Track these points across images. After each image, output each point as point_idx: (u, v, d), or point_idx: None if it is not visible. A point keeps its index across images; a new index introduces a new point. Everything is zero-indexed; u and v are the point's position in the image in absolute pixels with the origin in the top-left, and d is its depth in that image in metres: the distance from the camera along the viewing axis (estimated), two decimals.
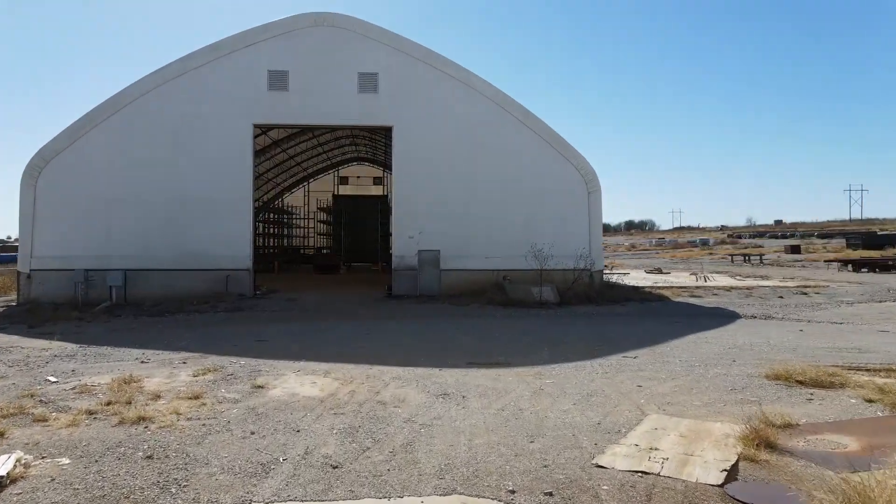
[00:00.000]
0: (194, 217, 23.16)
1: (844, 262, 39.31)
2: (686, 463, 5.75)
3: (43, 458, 6.23)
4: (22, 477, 5.67)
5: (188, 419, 7.50)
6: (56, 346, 13.28)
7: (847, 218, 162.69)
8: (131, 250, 22.77)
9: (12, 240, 75.59)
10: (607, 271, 27.80)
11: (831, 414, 7.55)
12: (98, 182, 22.93)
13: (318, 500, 5.23)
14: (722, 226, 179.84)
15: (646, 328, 15.57)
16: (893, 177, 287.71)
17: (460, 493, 5.31)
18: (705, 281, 29.96)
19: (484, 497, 5.24)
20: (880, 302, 21.37)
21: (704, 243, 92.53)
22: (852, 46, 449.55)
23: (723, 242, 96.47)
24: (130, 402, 8.19)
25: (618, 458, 5.95)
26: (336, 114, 24.70)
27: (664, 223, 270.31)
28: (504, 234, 24.19)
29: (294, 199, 53.57)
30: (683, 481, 5.45)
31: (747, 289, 26.00)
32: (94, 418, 7.57)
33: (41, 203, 22.67)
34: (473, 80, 24.68)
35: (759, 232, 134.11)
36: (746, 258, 50.13)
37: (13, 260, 29.92)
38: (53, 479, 5.65)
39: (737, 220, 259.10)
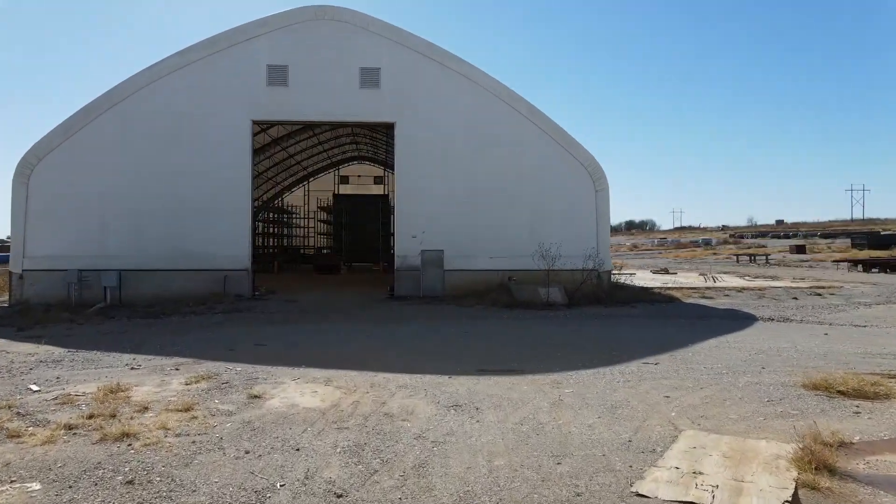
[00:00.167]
0: (192, 216, 22.47)
1: (854, 263, 38.63)
2: (740, 492, 5.07)
3: (11, 481, 5.56)
4: None
5: (176, 435, 6.82)
6: (43, 350, 12.60)
7: (848, 218, 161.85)
8: (127, 250, 22.10)
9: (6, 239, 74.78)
10: (615, 272, 27.11)
11: (885, 430, 6.87)
12: (93, 179, 22.25)
13: None
14: (723, 226, 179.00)
15: (661, 331, 14.88)
16: (894, 177, 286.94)
17: None
18: (714, 282, 29.28)
19: None
20: None
21: (707, 243, 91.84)
22: (853, 45, 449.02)
23: (726, 242, 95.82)
24: (115, 416, 7.51)
25: (660, 484, 5.27)
26: (337, 110, 24.01)
27: (665, 223, 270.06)
28: (509, 234, 23.51)
29: (294, 198, 52.94)
30: None
31: (759, 290, 25.32)
32: (74, 434, 6.89)
33: (34, 201, 22.00)
34: (478, 75, 23.99)
35: (761, 232, 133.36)
36: (752, 258, 49.47)
37: (6, 260, 29.25)
38: None
39: (737, 220, 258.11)
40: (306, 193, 52.71)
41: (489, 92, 23.88)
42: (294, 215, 52.68)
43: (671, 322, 16.82)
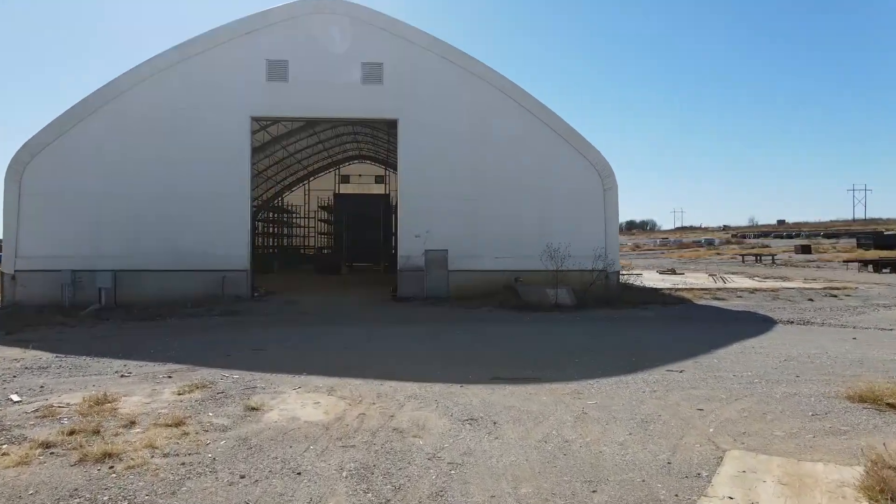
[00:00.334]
0: (189, 215, 21.80)
1: (864, 263, 37.95)
2: None
3: None
4: None
5: (164, 455, 6.15)
6: (30, 356, 11.94)
7: (850, 218, 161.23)
8: (122, 250, 21.44)
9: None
10: (624, 272, 26.44)
11: None
12: (87, 177, 21.59)
13: None
14: (724, 226, 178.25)
15: (679, 335, 14.21)
16: (894, 177, 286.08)
17: None
18: (724, 282, 28.60)
19: None
20: None
21: (710, 243, 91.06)
22: (854, 44, 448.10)
23: (729, 242, 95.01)
24: (98, 432, 6.85)
25: None
26: (338, 106, 23.33)
27: (665, 223, 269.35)
28: (516, 233, 22.84)
29: (294, 197, 52.22)
30: None
31: (772, 290, 24.64)
32: (51, 454, 6.22)
33: (27, 200, 21.34)
34: (483, 70, 23.31)
35: (763, 232, 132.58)
36: (758, 258, 48.76)
37: None
38: None
39: (738, 220, 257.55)
40: (306, 193, 52.00)
41: (495, 88, 23.21)
42: (294, 215, 51.95)
43: (687, 325, 16.15)
